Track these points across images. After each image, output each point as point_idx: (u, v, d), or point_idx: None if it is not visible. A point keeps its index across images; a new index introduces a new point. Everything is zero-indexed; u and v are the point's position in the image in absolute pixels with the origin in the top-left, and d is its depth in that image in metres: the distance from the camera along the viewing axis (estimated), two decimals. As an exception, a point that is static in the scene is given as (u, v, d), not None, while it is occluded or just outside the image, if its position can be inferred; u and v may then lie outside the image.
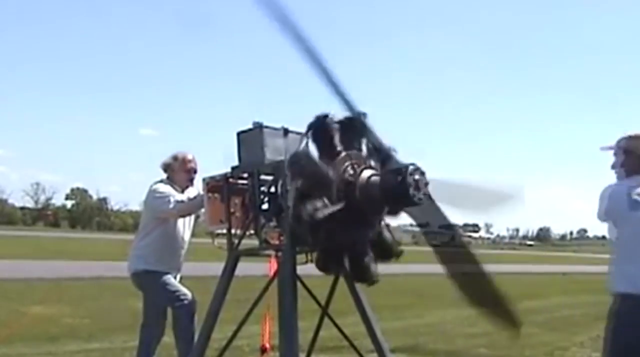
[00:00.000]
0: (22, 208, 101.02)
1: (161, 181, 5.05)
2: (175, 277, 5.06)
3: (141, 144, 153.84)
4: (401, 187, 3.09)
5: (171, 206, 4.76)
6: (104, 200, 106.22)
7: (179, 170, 5.05)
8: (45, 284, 13.36)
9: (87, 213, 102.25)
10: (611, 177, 3.86)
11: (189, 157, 5.10)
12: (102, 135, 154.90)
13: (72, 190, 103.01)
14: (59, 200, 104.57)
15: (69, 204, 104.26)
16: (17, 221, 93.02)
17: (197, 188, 4.92)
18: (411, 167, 3.14)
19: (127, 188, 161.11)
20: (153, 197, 4.92)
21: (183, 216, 4.97)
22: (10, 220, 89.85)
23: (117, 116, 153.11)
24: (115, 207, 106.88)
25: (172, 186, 5.00)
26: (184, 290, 4.95)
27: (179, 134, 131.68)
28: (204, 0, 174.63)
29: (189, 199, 4.79)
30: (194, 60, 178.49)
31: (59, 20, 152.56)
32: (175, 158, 5.08)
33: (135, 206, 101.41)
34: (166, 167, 5.11)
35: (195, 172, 5.07)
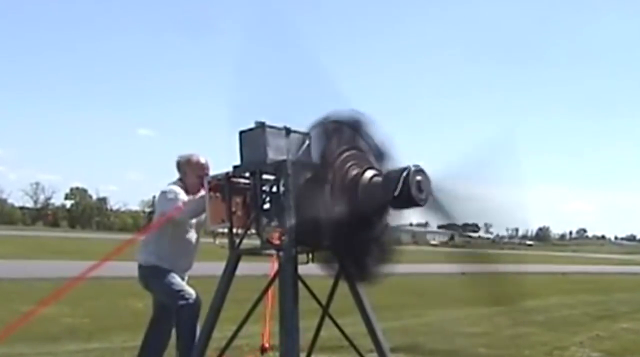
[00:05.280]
0: (21, 208, 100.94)
1: (173, 183, 5.04)
2: (183, 279, 5.05)
3: (139, 144, 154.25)
4: (403, 188, 3.08)
5: (178, 209, 4.74)
6: (103, 200, 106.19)
7: (190, 174, 5.01)
8: (45, 284, 13.33)
9: (86, 213, 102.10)
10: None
11: (202, 161, 5.04)
12: (100, 135, 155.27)
13: (72, 190, 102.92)
14: (58, 200, 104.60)
15: (69, 203, 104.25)
16: (16, 220, 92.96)
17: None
18: (413, 168, 3.12)
19: (125, 188, 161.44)
20: (164, 199, 4.92)
21: (194, 217, 4.92)
22: (10, 220, 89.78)
23: (115, 116, 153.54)
24: (115, 207, 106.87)
25: (183, 187, 4.98)
26: (189, 290, 4.93)
27: (177, 134, 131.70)
28: (204, 0, 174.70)
29: (197, 200, 4.77)
30: (192, 60, 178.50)
31: (58, 20, 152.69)
32: (188, 162, 5.05)
33: (135, 205, 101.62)
34: (179, 168, 5.11)
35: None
